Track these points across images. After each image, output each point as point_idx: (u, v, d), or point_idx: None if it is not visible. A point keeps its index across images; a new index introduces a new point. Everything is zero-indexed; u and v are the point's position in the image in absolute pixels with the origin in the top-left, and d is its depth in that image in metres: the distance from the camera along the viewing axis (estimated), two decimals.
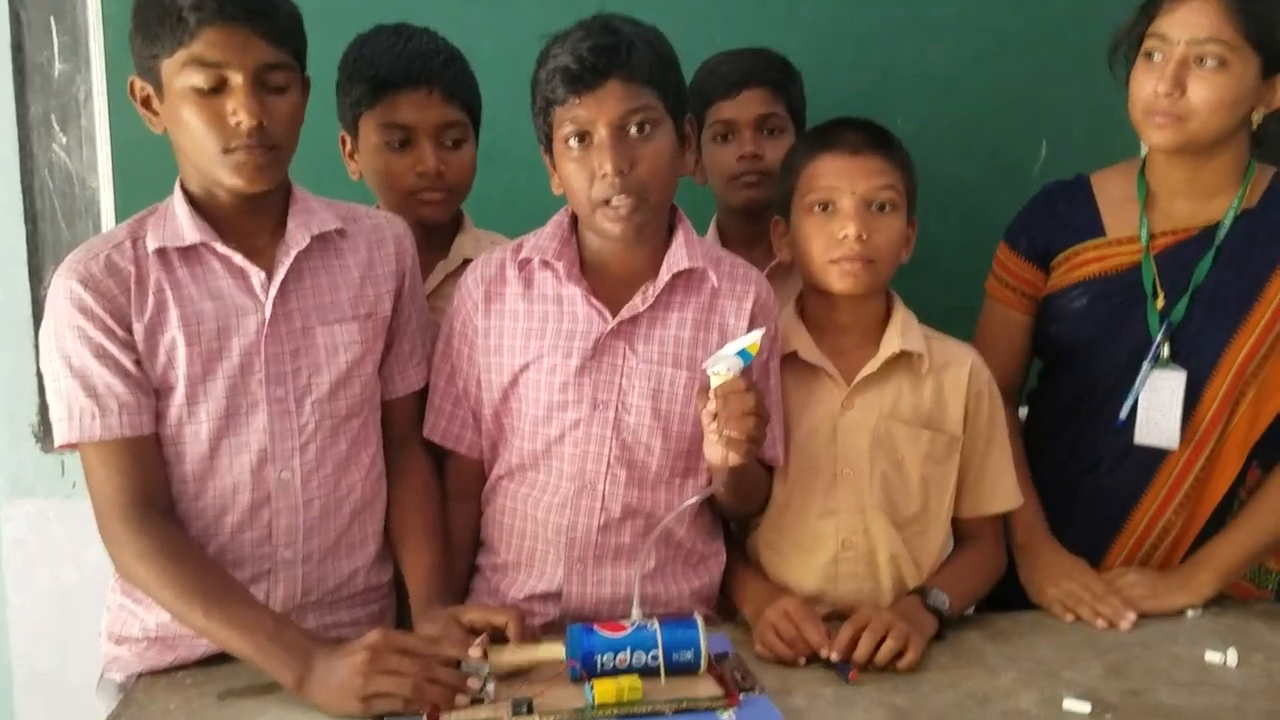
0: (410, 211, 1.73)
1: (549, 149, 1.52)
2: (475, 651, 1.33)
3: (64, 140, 2.19)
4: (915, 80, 2.23)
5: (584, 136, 1.45)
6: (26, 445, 2.27)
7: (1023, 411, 1.89)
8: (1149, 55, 1.59)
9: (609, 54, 1.42)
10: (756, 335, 1.38)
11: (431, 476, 1.63)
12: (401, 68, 1.70)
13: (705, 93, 1.88)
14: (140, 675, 1.47)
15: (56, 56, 2.17)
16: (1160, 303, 1.66)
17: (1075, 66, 2.22)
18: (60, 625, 2.31)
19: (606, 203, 1.45)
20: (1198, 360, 1.65)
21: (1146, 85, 1.59)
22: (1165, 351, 1.64)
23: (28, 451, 2.28)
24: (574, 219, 1.57)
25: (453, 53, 1.76)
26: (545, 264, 1.55)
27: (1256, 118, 1.60)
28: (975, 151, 2.24)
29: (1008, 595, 1.70)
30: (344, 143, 1.80)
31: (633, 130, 1.45)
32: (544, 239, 1.56)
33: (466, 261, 1.77)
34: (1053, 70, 2.24)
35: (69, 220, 2.22)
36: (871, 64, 2.22)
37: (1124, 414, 1.67)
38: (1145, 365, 1.65)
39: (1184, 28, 1.55)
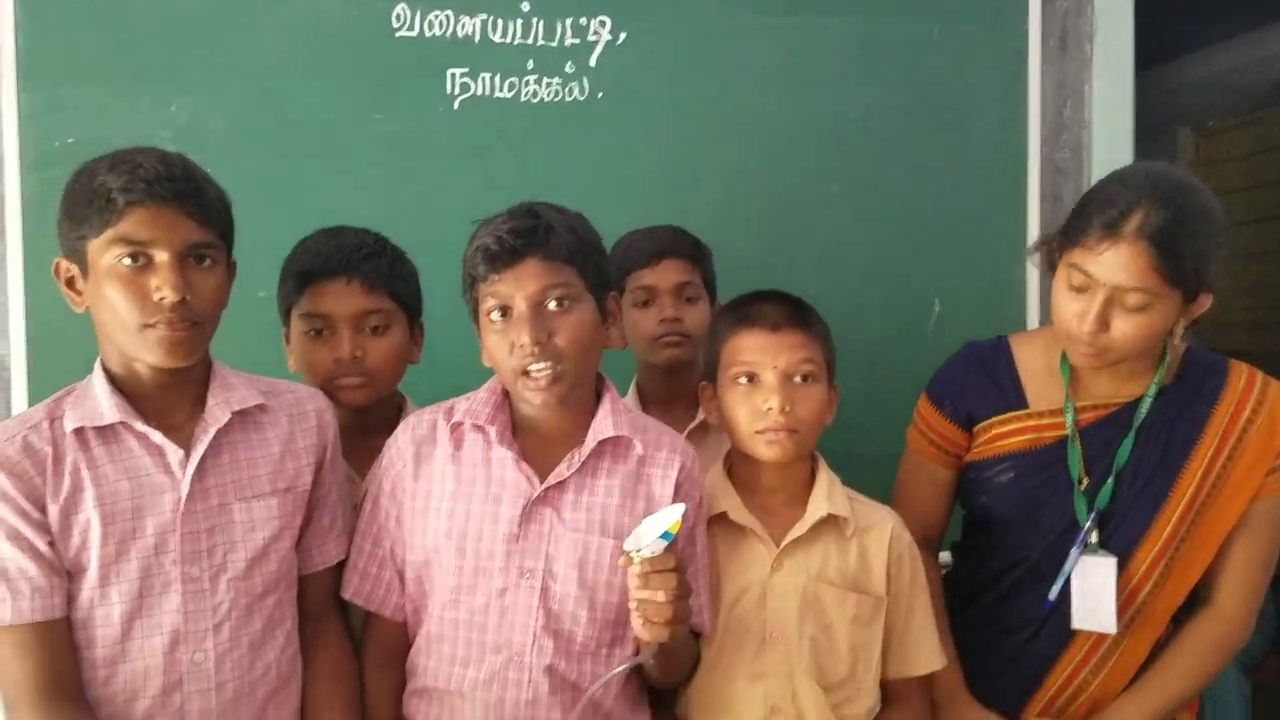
0: (331, 397, 1.75)
1: (477, 322, 1.57)
2: None
3: None
4: (810, 247, 2.35)
5: (505, 311, 1.51)
6: None
7: (944, 555, 1.93)
8: (1073, 284, 1.59)
9: (527, 235, 1.49)
10: (676, 514, 1.39)
11: (349, 653, 1.61)
12: (321, 261, 1.77)
13: (625, 263, 1.97)
14: None
15: None
16: (1084, 485, 1.69)
17: (965, 232, 2.38)
18: None
19: (526, 373, 1.50)
20: (1123, 539, 1.68)
21: (1069, 312, 1.59)
22: (1094, 538, 1.68)
23: None
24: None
25: (379, 247, 1.82)
26: (478, 428, 1.58)
27: (1178, 331, 1.61)
28: (871, 312, 2.35)
29: None
30: (286, 339, 1.86)
31: (551, 304, 1.50)
32: (477, 403, 1.59)
33: None
34: (943, 237, 2.38)
35: None
36: (770, 234, 2.34)
37: (1053, 595, 1.69)
38: (1074, 551, 1.68)
39: (1110, 271, 1.53)
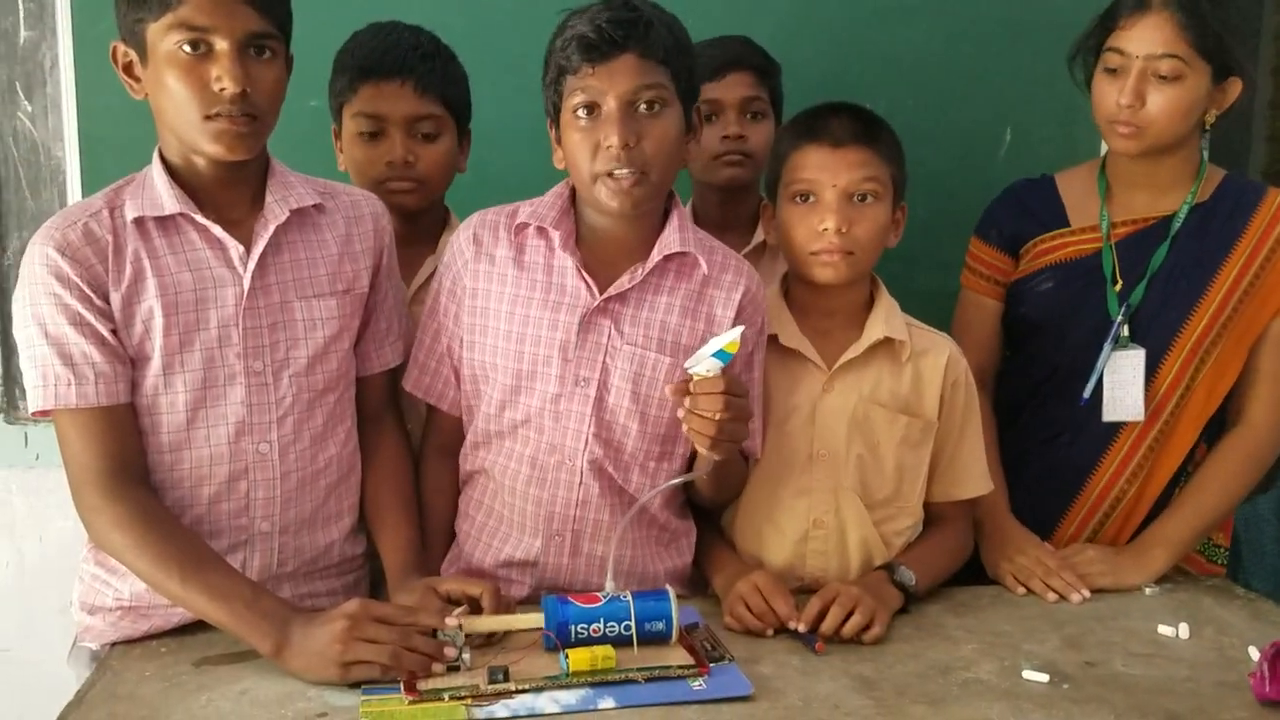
0: (381, 201, 1.73)
1: (555, 121, 1.52)
2: (452, 621, 1.35)
3: (29, 108, 2.17)
4: (883, 66, 2.25)
5: (593, 108, 1.46)
6: None
7: None
8: (1109, 68, 1.69)
9: (627, 28, 1.43)
10: (735, 334, 1.38)
11: (406, 452, 1.65)
12: (376, 60, 1.75)
13: None
14: (114, 644, 1.47)
15: (22, 23, 2.14)
16: (1119, 287, 1.75)
17: (1040, 58, 2.24)
18: (22, 598, 2.29)
19: (609, 175, 1.46)
20: (1155, 339, 1.74)
21: (1109, 96, 1.69)
22: (1125, 332, 1.74)
23: None
24: (574, 192, 1.57)
25: (434, 49, 1.78)
26: (541, 231, 1.55)
27: (1210, 118, 1.72)
28: (940, 137, 2.25)
29: (968, 570, 1.74)
30: (336, 136, 1.84)
31: (642, 107, 1.45)
32: (543, 207, 1.55)
33: None
34: (1018, 61, 2.27)
35: (34, 189, 2.19)
36: (840, 50, 2.23)
37: (1087, 393, 1.74)
38: (1106, 346, 1.74)
39: (1141, 43, 1.65)
